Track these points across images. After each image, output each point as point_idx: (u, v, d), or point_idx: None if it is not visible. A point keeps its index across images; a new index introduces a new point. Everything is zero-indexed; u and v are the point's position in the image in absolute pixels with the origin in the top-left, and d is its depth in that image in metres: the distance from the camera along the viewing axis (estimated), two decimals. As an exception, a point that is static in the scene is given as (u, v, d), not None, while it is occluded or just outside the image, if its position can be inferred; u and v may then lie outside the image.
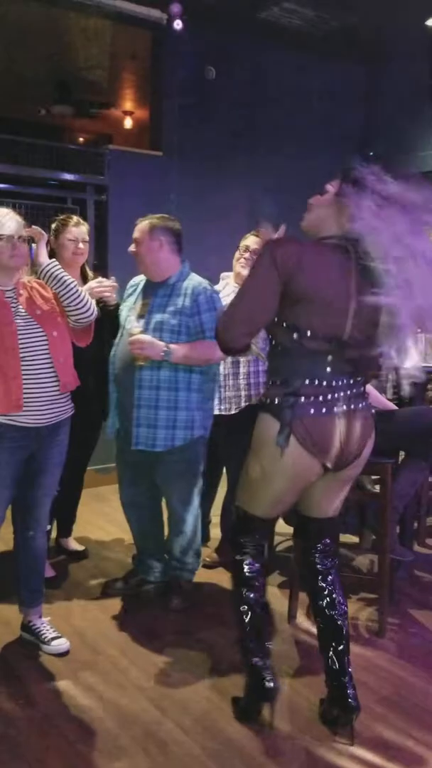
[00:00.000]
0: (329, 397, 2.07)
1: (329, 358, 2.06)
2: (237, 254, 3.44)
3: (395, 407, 3.23)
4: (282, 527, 3.41)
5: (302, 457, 2.09)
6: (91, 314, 2.62)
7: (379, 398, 3.21)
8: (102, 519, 4.20)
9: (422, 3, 4.65)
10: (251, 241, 3.41)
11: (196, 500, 3.04)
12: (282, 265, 1.99)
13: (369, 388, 3.28)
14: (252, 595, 2.25)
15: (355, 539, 3.75)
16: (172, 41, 4.75)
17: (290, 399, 2.07)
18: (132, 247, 2.96)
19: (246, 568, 2.26)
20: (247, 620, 2.24)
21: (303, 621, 2.96)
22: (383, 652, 2.73)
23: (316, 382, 2.06)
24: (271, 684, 2.22)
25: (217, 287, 3.57)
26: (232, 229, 3.63)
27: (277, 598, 3.15)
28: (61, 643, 2.70)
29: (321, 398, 2.07)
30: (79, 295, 2.55)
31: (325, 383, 2.07)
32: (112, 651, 2.73)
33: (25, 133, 4.88)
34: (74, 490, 3.60)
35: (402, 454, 3.19)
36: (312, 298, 2.01)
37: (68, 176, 4.82)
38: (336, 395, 2.08)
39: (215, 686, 2.50)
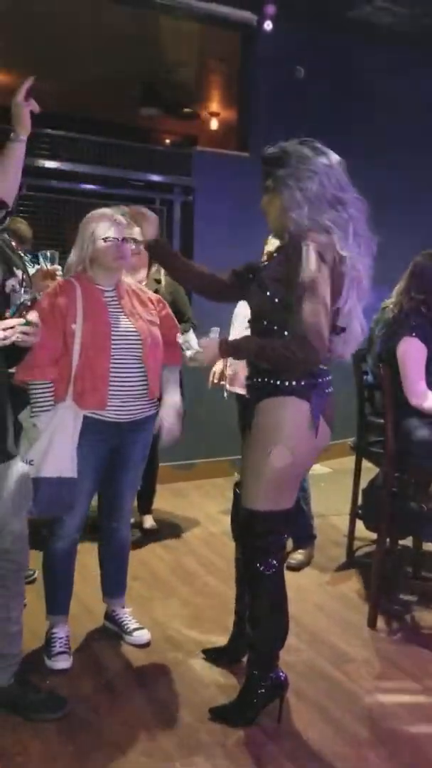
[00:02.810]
0: (329, 377, 2.17)
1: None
2: (263, 258, 3.42)
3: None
4: (361, 531, 3.38)
5: (325, 434, 2.15)
6: None
7: None
8: (181, 515, 4.26)
9: None
10: (272, 244, 3.37)
11: None
12: (332, 263, 2.02)
13: None
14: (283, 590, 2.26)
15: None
16: (262, 42, 4.75)
17: (312, 380, 2.10)
18: None
19: (275, 569, 2.21)
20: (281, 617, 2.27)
21: (383, 626, 2.92)
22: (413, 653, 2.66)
23: (323, 365, 2.12)
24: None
25: None
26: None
27: (354, 603, 3.12)
28: (143, 635, 2.76)
29: (329, 378, 2.16)
30: None
31: (326, 366, 2.16)
32: (190, 646, 2.76)
33: (113, 135, 4.99)
34: (151, 465, 3.60)
35: None
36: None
37: (156, 177, 4.90)
38: (330, 377, 2.18)
39: (294, 689, 2.49)
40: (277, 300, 2.07)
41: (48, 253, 2.67)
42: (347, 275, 2.07)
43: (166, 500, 4.40)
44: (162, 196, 4.98)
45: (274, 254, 2.19)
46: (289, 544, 3.35)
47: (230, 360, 3.51)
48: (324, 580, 3.38)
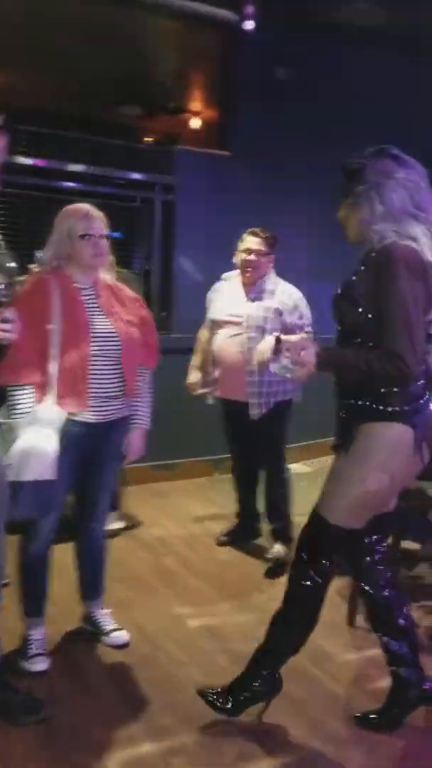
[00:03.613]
0: (429, 396, 2.11)
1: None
2: (243, 256, 3.43)
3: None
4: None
5: (425, 457, 2.13)
6: None
7: None
8: (162, 515, 4.24)
9: None
10: (252, 242, 3.42)
11: None
12: (423, 274, 1.99)
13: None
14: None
15: (416, 546, 3.67)
16: (243, 42, 4.74)
17: (414, 403, 2.05)
18: None
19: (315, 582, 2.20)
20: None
21: (362, 624, 2.92)
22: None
23: (421, 381, 2.07)
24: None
25: (217, 287, 3.62)
26: (299, 231, 3.61)
27: (334, 602, 3.12)
28: (121, 635, 2.74)
29: (428, 396, 2.10)
30: None
31: (424, 381, 2.09)
32: (171, 647, 2.75)
33: (94, 133, 4.96)
34: None
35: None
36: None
37: (136, 175, 4.88)
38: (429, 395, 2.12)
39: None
40: (370, 316, 2.03)
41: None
42: None
43: (148, 501, 4.39)
44: (143, 195, 4.96)
45: (361, 268, 2.10)
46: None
47: (223, 366, 3.48)
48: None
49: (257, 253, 3.42)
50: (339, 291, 2.15)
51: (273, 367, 2.06)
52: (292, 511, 3.57)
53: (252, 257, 3.41)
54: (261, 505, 3.70)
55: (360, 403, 2.08)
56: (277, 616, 2.27)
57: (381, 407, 2.05)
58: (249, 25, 4.59)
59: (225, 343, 3.46)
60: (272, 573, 3.39)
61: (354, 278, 2.09)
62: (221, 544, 3.76)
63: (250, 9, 4.48)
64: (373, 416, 2.06)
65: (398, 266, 1.96)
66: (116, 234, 4.70)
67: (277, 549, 3.51)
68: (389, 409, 2.04)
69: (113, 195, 4.88)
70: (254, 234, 3.46)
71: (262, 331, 3.34)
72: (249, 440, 3.60)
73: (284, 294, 3.46)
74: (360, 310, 2.04)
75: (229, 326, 3.46)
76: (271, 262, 3.50)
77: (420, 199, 2.04)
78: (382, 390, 2.04)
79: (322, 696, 2.46)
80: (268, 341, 3.29)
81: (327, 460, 3.45)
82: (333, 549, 2.19)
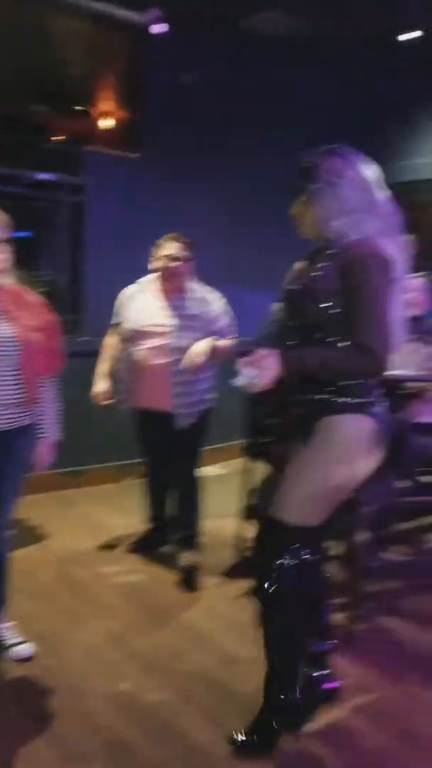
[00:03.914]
0: (380, 389, 2.13)
1: None
2: (164, 263, 3.33)
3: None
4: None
5: (379, 448, 2.12)
6: None
7: None
8: (69, 523, 4.13)
9: (392, 18, 4.73)
10: (173, 248, 3.32)
11: None
12: (387, 269, 2.01)
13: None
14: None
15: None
16: (153, 44, 4.73)
17: (372, 395, 2.08)
18: None
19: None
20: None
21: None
22: (351, 661, 2.70)
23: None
24: None
25: (129, 291, 3.49)
26: (208, 232, 3.61)
27: (242, 604, 3.13)
28: (25, 649, 2.64)
29: (381, 391, 2.12)
30: None
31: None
32: (77, 658, 2.67)
33: (2, 132, 4.80)
34: None
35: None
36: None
37: (44, 176, 4.77)
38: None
39: (181, 691, 2.46)
40: (334, 311, 2.02)
41: None
42: (396, 280, 2.06)
43: (55, 508, 4.27)
44: (51, 196, 4.85)
45: (321, 263, 2.09)
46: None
47: (147, 376, 3.36)
48: (213, 582, 3.37)
49: (180, 259, 3.32)
50: (296, 287, 2.15)
51: (238, 381, 2.01)
52: (203, 516, 3.55)
53: (175, 264, 3.31)
54: (170, 511, 3.66)
55: (319, 397, 2.07)
56: (270, 638, 2.19)
57: (342, 400, 2.05)
58: (158, 28, 4.58)
59: (149, 353, 3.32)
60: (184, 581, 3.34)
61: (314, 274, 2.09)
62: (130, 551, 3.69)
63: (157, 12, 4.48)
64: (334, 409, 2.05)
65: (367, 261, 1.99)
66: (26, 233, 4.57)
67: (187, 557, 3.47)
68: (350, 400, 2.05)
69: (21, 195, 4.74)
70: (175, 239, 3.36)
71: (189, 340, 3.26)
72: (166, 448, 3.52)
73: (207, 299, 3.40)
74: (323, 305, 2.02)
75: (153, 337, 3.31)
76: (192, 267, 3.43)
77: (374, 197, 2.07)
78: (342, 383, 2.04)
79: (227, 699, 2.45)
80: (202, 345, 3.27)
81: (239, 463, 3.50)
82: (289, 548, 2.11)
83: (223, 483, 3.68)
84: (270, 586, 2.11)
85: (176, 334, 3.29)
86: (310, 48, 5.24)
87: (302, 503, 2.08)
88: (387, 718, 2.37)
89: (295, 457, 2.12)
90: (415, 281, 4.08)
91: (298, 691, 2.17)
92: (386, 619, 3.07)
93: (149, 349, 3.33)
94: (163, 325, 3.31)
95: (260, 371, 1.97)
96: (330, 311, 2.02)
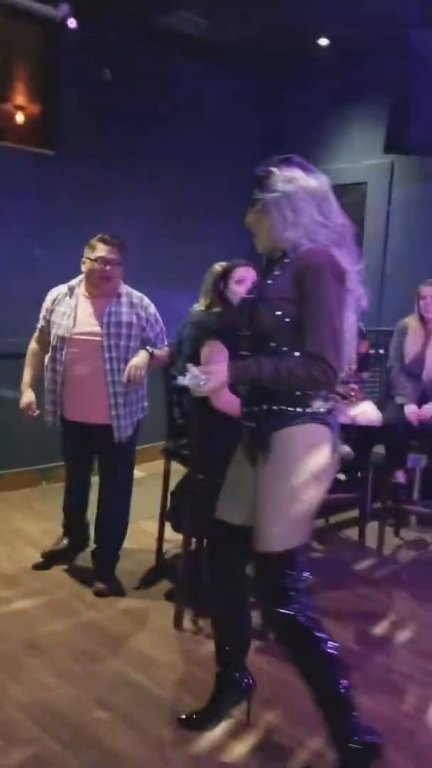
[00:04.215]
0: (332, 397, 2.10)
1: None
2: (96, 266, 3.14)
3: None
4: (171, 534, 3.41)
5: (335, 457, 2.09)
6: None
7: None
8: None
9: (313, 22, 4.82)
10: (106, 251, 3.14)
11: None
12: (343, 279, 2.00)
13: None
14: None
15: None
16: (67, 39, 4.65)
17: (326, 404, 2.05)
18: None
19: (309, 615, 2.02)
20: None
21: (189, 627, 2.96)
22: (267, 658, 2.74)
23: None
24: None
25: (56, 293, 3.31)
26: (127, 231, 3.56)
27: (162, 606, 3.14)
28: None
29: (332, 398, 2.10)
30: None
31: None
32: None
33: None
34: None
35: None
36: None
37: None
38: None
39: (98, 699, 2.45)
40: (288, 320, 1.98)
41: None
42: (351, 291, 2.05)
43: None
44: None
45: (275, 272, 2.06)
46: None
47: (77, 387, 3.20)
48: (133, 585, 3.36)
49: (113, 262, 3.16)
50: (250, 295, 2.13)
51: (184, 380, 1.99)
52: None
53: (109, 268, 3.15)
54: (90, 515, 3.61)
55: (274, 408, 2.03)
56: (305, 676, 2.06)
57: (297, 409, 2.02)
58: (72, 23, 4.51)
59: (81, 362, 3.15)
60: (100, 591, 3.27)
61: (269, 282, 2.08)
62: (45, 557, 3.58)
63: (65, 8, 4.40)
64: (290, 420, 2.01)
65: (324, 271, 1.97)
66: None
67: (101, 581, 3.31)
68: (307, 410, 2.02)
69: None
70: (105, 241, 3.17)
71: (126, 349, 3.16)
72: (90, 459, 3.44)
73: (139, 305, 3.28)
74: (278, 313, 2.00)
75: (83, 345, 3.16)
76: (122, 271, 3.26)
77: (327, 208, 2.06)
78: (297, 393, 2.01)
79: (146, 702, 2.45)
80: (142, 357, 3.18)
81: (160, 465, 3.49)
82: (292, 577, 2.01)
83: (142, 486, 3.67)
84: (285, 623, 2.01)
85: (108, 342, 3.15)
86: (225, 51, 5.28)
87: (283, 528, 2.01)
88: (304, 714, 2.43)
89: (259, 480, 2.05)
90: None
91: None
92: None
93: (80, 358, 3.16)
94: (93, 333, 3.16)
95: (208, 375, 1.98)
96: (284, 320, 2.00)
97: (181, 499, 3.17)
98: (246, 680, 2.34)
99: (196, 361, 3.03)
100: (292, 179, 2.05)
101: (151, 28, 4.94)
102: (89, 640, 2.85)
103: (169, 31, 5.01)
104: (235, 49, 5.28)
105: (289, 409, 2.02)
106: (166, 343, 3.38)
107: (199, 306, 3.42)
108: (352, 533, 4.16)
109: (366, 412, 3.95)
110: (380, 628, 3.09)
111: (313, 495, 2.01)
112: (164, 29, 4.97)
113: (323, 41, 5.11)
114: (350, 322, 2.07)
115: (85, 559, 3.52)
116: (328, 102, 5.61)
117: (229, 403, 2.74)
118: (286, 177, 2.05)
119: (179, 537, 3.17)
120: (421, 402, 4.09)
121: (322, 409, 2.04)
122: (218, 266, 3.34)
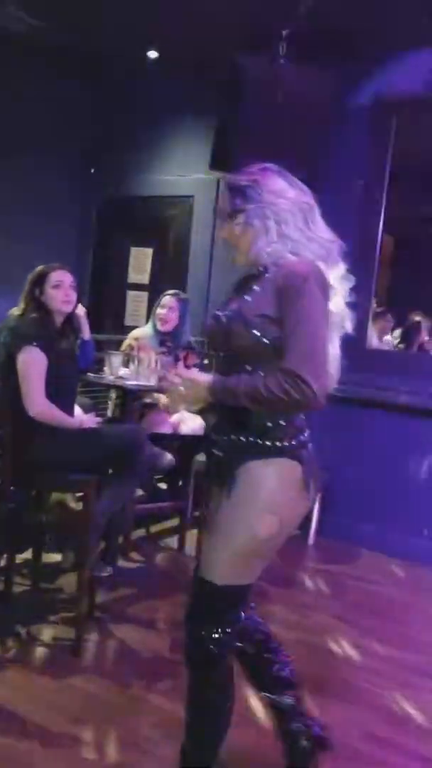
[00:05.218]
0: (308, 431, 1.94)
1: None
2: None
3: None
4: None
5: (309, 494, 1.90)
6: None
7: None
8: None
9: (142, 34, 4.86)
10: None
11: None
12: (326, 293, 1.84)
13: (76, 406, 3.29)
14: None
15: (57, 558, 3.67)
16: None
17: (299, 437, 1.87)
18: None
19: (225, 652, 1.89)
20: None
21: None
22: (79, 672, 2.69)
23: (303, 416, 1.90)
24: None
25: None
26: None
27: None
28: None
29: (308, 432, 1.93)
30: None
31: (304, 416, 1.91)
32: None
33: None
34: None
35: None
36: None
37: None
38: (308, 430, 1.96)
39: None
40: (266, 341, 1.79)
41: None
42: (335, 314, 1.90)
43: None
44: None
45: (254, 287, 1.86)
46: None
47: None
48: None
49: None
50: (224, 313, 1.92)
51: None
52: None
53: None
54: None
55: (243, 439, 1.85)
56: (189, 718, 1.97)
57: (267, 442, 1.84)
58: None
59: None
60: None
61: (247, 298, 1.88)
62: None
63: None
64: (258, 453, 1.84)
65: (308, 284, 1.79)
66: None
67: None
68: (277, 443, 1.84)
69: None
70: None
71: None
72: None
73: None
74: (255, 333, 1.81)
75: None
76: None
77: (312, 220, 1.92)
78: (268, 424, 1.84)
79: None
80: None
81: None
82: (225, 613, 1.86)
83: None
84: (205, 654, 1.87)
85: None
86: (54, 53, 5.17)
87: (231, 563, 1.85)
88: (114, 727, 2.40)
89: (216, 508, 1.90)
90: (166, 299, 4.24)
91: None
92: (115, 627, 3.11)
93: None
94: None
95: (188, 391, 1.85)
96: (262, 340, 1.82)
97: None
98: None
99: (9, 369, 2.92)
100: (278, 190, 1.89)
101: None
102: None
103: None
104: (64, 51, 5.18)
105: (260, 441, 1.85)
106: None
107: (17, 310, 3.30)
108: (172, 542, 4.20)
109: (187, 420, 4.03)
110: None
111: (269, 532, 1.84)
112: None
113: (152, 54, 5.16)
114: (335, 344, 1.93)
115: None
116: (158, 113, 5.66)
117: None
118: (270, 188, 1.89)
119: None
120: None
121: (294, 442, 1.87)
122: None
